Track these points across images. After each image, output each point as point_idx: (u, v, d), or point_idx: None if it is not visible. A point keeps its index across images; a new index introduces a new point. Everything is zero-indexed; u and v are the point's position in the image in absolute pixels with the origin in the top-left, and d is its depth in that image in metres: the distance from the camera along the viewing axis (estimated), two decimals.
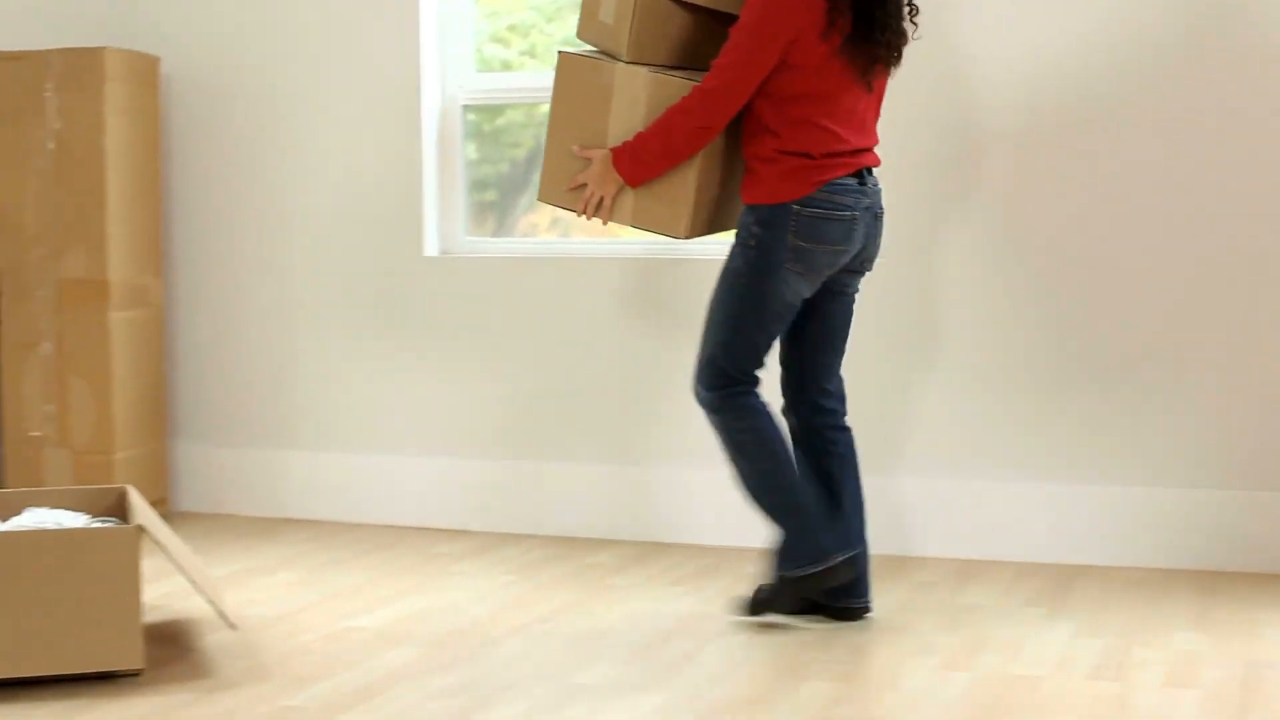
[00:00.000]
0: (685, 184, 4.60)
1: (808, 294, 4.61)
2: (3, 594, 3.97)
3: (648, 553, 5.57)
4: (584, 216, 4.68)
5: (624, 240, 5.96)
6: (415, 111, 5.96)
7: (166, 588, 5.02)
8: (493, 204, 6.19)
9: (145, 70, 6.05)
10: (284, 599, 4.96)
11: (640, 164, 4.56)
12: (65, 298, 5.85)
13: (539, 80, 6.01)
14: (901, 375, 5.51)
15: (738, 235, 4.61)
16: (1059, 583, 5.13)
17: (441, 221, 6.07)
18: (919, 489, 5.49)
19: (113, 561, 4.04)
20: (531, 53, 6.19)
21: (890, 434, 5.53)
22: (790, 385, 4.78)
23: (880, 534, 5.49)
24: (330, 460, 6.16)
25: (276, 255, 6.19)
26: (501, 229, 6.18)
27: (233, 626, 4.34)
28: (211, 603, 4.25)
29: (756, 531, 5.56)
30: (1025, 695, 3.97)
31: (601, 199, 4.63)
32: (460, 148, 6.06)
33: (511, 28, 6.22)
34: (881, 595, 4.94)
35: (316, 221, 6.14)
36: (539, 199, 4.82)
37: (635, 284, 5.74)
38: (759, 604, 4.69)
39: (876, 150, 4.68)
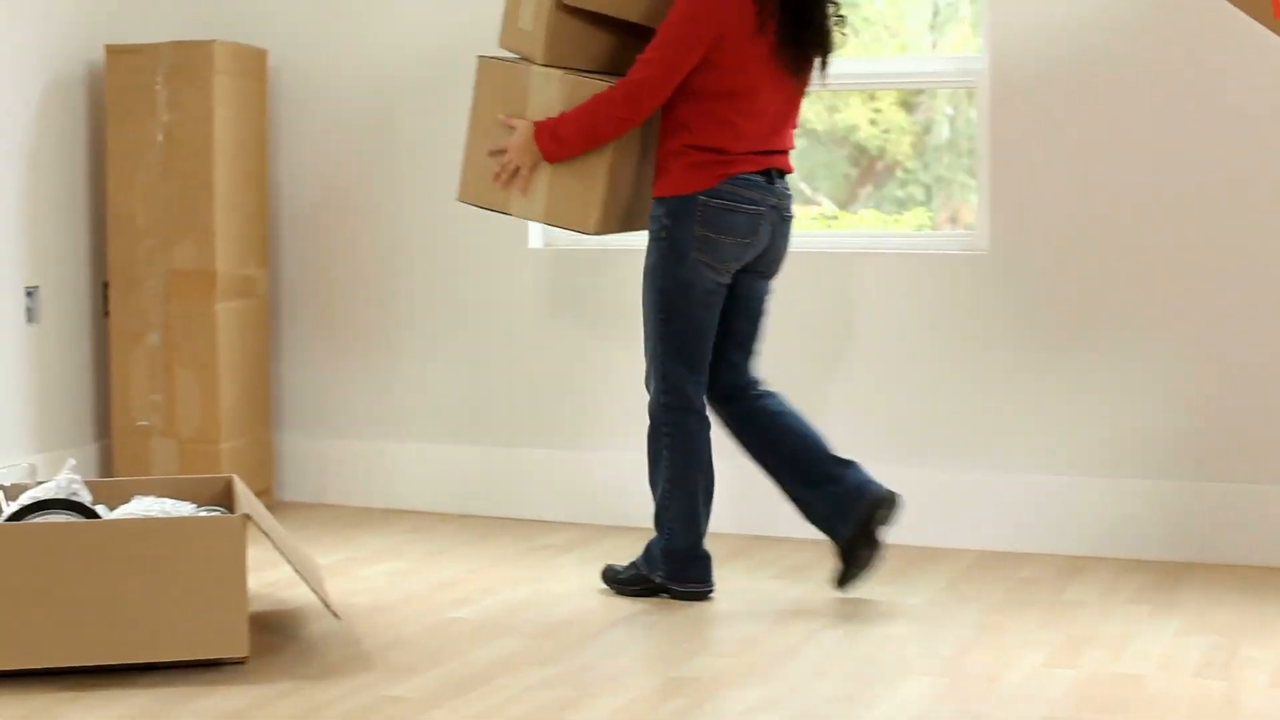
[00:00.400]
0: (596, 180, 4.76)
1: (726, 280, 4.79)
2: (111, 581, 4.01)
3: (751, 545, 5.55)
4: (498, 184, 4.83)
5: None
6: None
7: (270, 576, 5.06)
8: None
9: (253, 63, 6.10)
10: (386, 589, 4.99)
11: (559, 141, 4.70)
12: (173, 288, 5.90)
13: None
14: (1004, 372, 5.47)
15: (651, 230, 4.78)
16: (1164, 580, 5.08)
17: None
18: (1024, 485, 5.45)
19: (219, 550, 4.07)
20: None
21: (990, 430, 5.49)
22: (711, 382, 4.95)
23: (983, 529, 5.46)
24: (433, 451, 6.18)
25: (381, 246, 6.22)
26: None
27: (336, 616, 4.38)
28: (315, 592, 4.28)
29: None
30: (1130, 693, 3.94)
31: (518, 169, 4.79)
32: None
33: None
34: (984, 591, 4.91)
35: (420, 212, 6.16)
36: (459, 198, 5.02)
37: None
38: (611, 578, 4.97)
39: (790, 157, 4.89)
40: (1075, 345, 5.40)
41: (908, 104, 5.90)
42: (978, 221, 5.58)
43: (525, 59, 4.85)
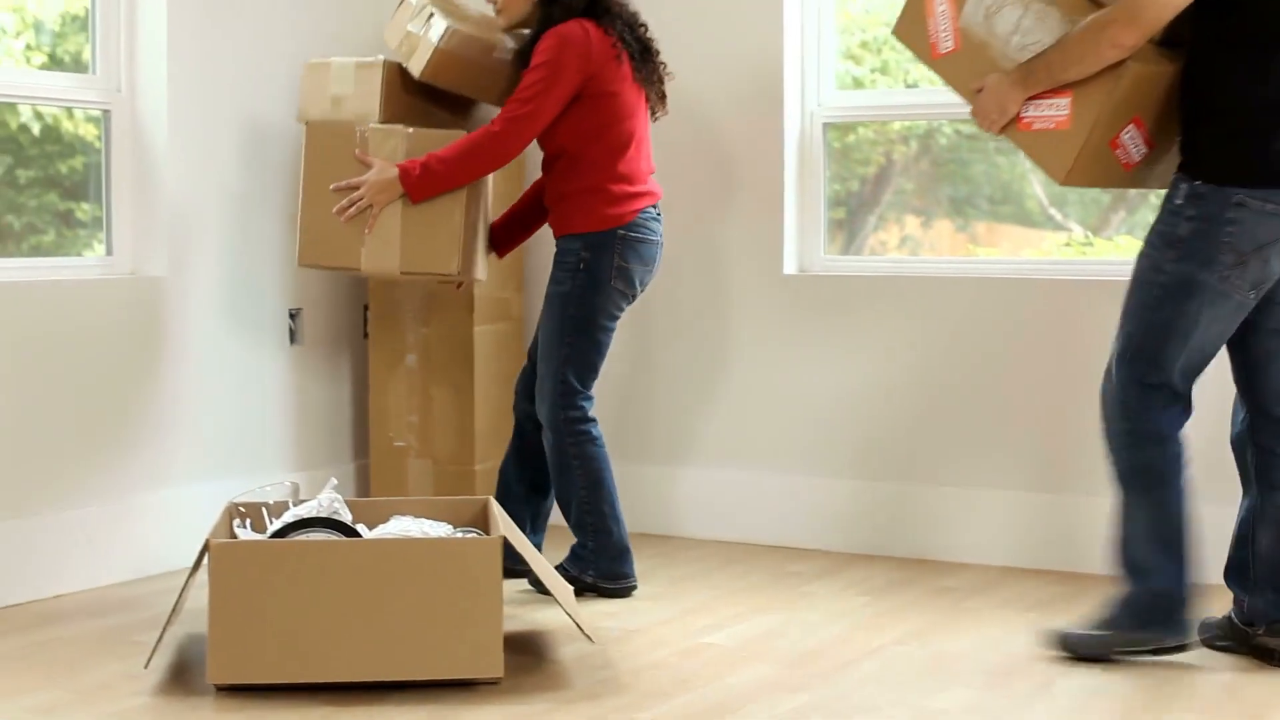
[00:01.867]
0: (453, 222, 5.03)
1: (625, 306, 5.19)
2: (369, 599, 4.08)
3: (1000, 577, 5.48)
4: (344, 220, 4.99)
5: (981, 260, 5.90)
6: (778, 128, 5.97)
7: (523, 598, 5.11)
8: (842, 222, 6.18)
9: None
10: (638, 613, 5.01)
11: (431, 175, 4.98)
12: (431, 311, 6.00)
13: (895, 98, 6.01)
14: None
15: (563, 261, 5.14)
16: None
17: (800, 239, 6.07)
18: None
19: (476, 571, 4.12)
20: (883, 69, 6.17)
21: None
22: (525, 384, 5.36)
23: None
24: (684, 475, 6.20)
25: None
26: (851, 247, 6.17)
27: (589, 639, 4.41)
28: (569, 614, 4.31)
29: (1092, 558, 5.46)
30: None
31: (370, 206, 4.96)
32: (822, 165, 6.04)
33: (864, 44, 6.20)
34: None
35: (677, 236, 6.19)
36: (300, 263, 5.17)
37: (995, 302, 5.66)
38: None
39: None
40: None
41: None
42: None
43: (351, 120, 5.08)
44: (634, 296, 5.19)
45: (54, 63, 5.52)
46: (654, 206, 5.18)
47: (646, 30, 5.16)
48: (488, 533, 4.52)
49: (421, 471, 6.00)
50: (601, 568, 5.17)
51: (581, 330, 5.11)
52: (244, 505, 4.62)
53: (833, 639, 4.71)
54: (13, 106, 5.42)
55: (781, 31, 5.95)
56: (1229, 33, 4.16)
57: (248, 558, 4.11)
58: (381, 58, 5.20)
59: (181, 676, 4.27)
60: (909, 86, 6.07)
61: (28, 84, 5.38)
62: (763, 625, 4.87)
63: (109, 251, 5.57)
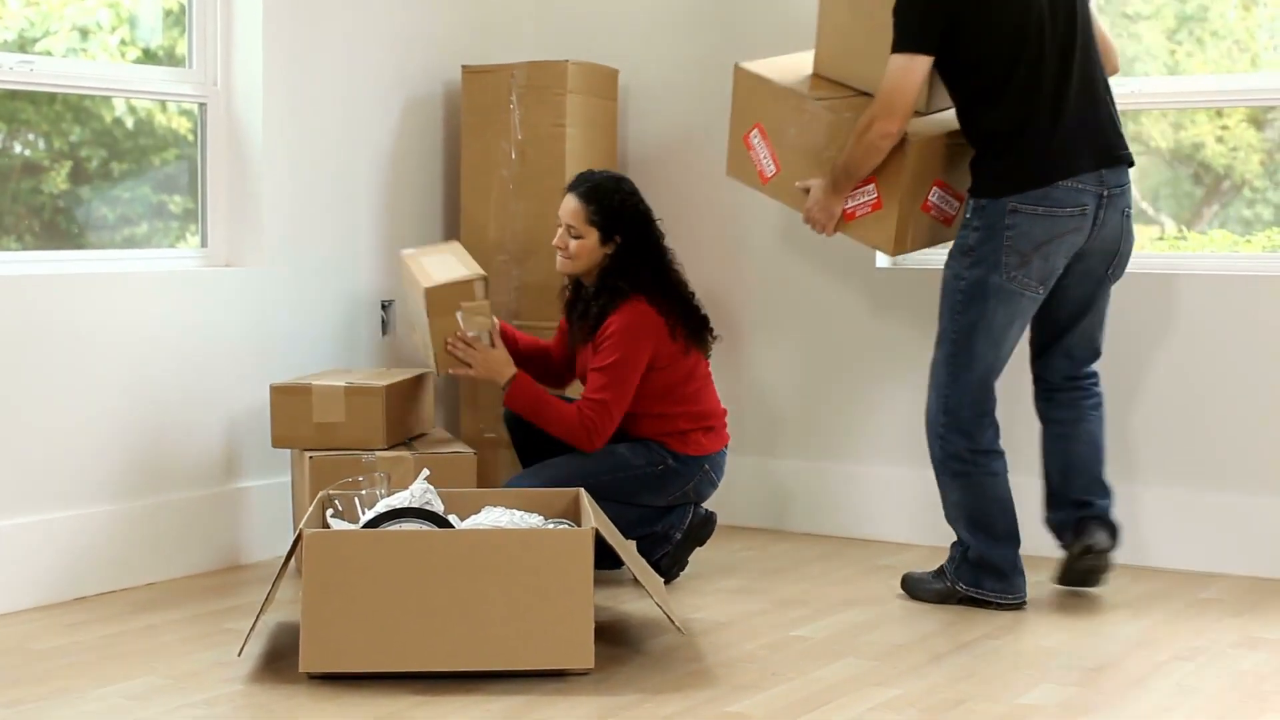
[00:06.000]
0: None
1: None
2: (461, 590, 4.10)
3: None
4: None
5: None
6: None
7: (612, 589, 5.12)
8: None
9: (604, 82, 6.18)
10: (727, 605, 5.01)
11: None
12: (524, 302, 6.01)
13: None
14: None
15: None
16: None
17: None
18: None
19: (567, 562, 4.13)
20: None
21: None
22: None
23: None
24: (780, 467, 6.19)
25: (728, 262, 6.26)
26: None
27: (680, 630, 4.41)
28: (660, 606, 4.32)
29: (1209, 555, 5.42)
30: None
31: None
32: None
33: None
34: None
35: (769, 230, 6.19)
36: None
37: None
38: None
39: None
40: None
41: (1257, 121, 5.73)
42: None
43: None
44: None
45: (148, 57, 5.57)
46: (725, 448, 5.41)
47: (695, 297, 5.40)
48: (579, 524, 4.52)
49: (512, 462, 5.99)
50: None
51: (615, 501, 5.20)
52: (337, 495, 4.64)
53: (923, 633, 4.70)
54: (107, 100, 5.47)
55: None
56: (968, 87, 4.88)
57: (341, 548, 4.13)
58: (382, 385, 5.23)
59: (274, 665, 4.30)
60: None
61: (124, 78, 5.43)
62: (853, 619, 4.86)
63: (204, 243, 5.62)
